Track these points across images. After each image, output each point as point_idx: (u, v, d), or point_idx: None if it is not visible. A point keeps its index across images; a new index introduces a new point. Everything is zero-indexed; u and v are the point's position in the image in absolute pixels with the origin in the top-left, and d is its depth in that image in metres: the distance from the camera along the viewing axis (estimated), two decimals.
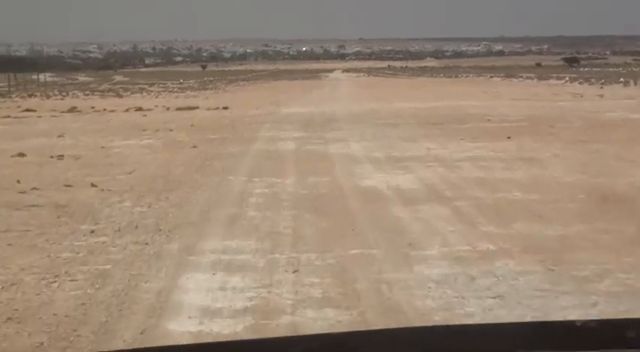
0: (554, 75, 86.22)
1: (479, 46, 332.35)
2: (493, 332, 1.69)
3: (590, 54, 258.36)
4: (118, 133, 22.88)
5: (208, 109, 34.94)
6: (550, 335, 1.64)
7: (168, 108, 35.94)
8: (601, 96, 38.81)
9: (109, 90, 63.24)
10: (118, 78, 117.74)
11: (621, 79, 62.41)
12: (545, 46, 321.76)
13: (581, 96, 38.69)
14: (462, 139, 19.47)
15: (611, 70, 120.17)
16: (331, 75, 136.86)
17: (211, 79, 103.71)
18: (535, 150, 17.13)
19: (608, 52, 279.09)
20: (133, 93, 58.45)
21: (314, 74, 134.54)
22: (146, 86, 73.51)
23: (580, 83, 61.75)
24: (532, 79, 76.21)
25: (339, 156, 17.03)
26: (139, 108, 35.99)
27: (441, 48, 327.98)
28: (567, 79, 69.17)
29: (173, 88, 70.38)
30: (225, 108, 35.10)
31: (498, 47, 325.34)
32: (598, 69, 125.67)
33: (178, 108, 35.70)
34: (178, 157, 17.10)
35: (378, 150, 17.88)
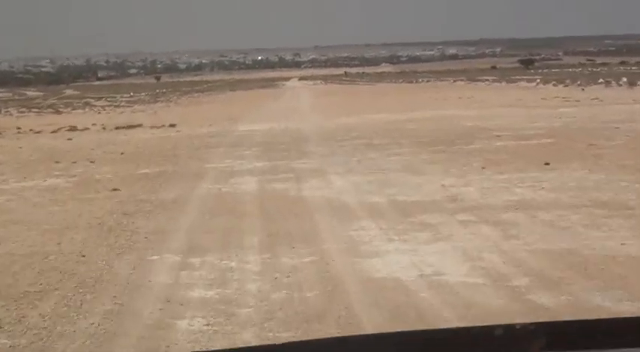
0: (517, 77, 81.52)
1: (432, 50, 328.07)
2: (482, 335, 1.65)
3: (543, 55, 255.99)
4: (20, 168, 17.17)
5: (152, 127, 29.28)
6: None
7: (104, 127, 30.22)
8: (599, 100, 33.70)
9: (50, 106, 56.98)
10: (69, 92, 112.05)
11: (600, 80, 57.65)
12: (498, 49, 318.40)
13: (578, 101, 33.52)
14: (483, 168, 14.03)
15: (570, 70, 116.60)
16: (288, 83, 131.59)
17: (164, 91, 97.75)
18: (614, 187, 11.56)
19: (560, 53, 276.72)
20: (75, 109, 52.44)
21: (270, 83, 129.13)
22: (92, 100, 67.38)
23: (554, 85, 56.97)
24: (498, 82, 71.34)
25: (320, 203, 11.51)
26: (72, 128, 30.23)
27: (395, 53, 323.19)
28: (538, 80, 64.17)
29: (121, 101, 64.38)
30: (173, 125, 29.44)
31: (452, 51, 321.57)
32: (556, 70, 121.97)
33: (117, 128, 29.97)
34: (84, 211, 11.47)
35: (373, 190, 12.37)
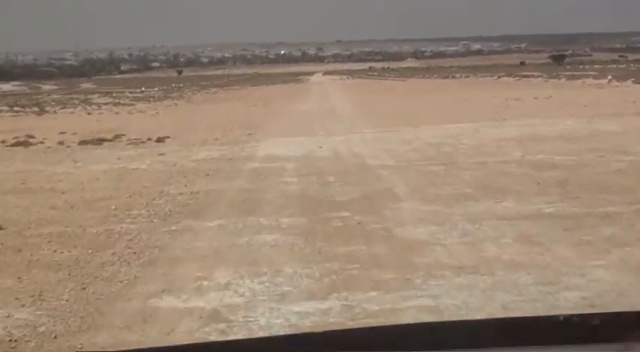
0: (569, 73, 71.20)
1: (457, 45, 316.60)
2: (471, 328, 1.59)
3: (570, 51, 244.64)
4: None
5: (130, 143, 19.58)
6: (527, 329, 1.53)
7: (62, 143, 20.44)
8: None
9: (38, 104, 47.13)
10: (86, 85, 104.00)
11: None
12: (523, 45, 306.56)
13: None
14: None
15: (614, 66, 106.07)
16: (312, 78, 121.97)
17: (180, 85, 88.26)
18: None
19: (587, 49, 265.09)
20: (67, 107, 42.85)
21: (294, 77, 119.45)
22: (96, 96, 57.88)
23: (635, 82, 46.87)
24: (555, 78, 61.13)
25: None
26: (19, 143, 20.57)
27: (419, 48, 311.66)
28: (610, 77, 53.59)
29: (127, 98, 54.81)
30: (161, 140, 19.80)
31: (477, 46, 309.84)
32: (599, 66, 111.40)
33: (83, 142, 20.30)
34: None
35: None
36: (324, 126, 22.22)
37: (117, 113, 36.76)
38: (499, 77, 73.86)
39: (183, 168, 13.76)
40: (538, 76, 66.44)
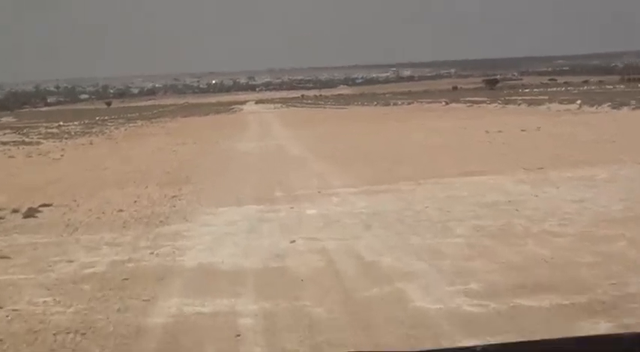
0: (519, 98, 65.34)
1: (387, 72, 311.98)
2: None
3: (499, 76, 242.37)
4: None
5: None
6: None
7: None
8: None
9: None
10: (7, 119, 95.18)
11: (610, 102, 41.91)
12: (453, 70, 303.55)
13: None
14: None
15: (555, 89, 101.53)
16: (246, 107, 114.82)
17: (105, 118, 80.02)
18: None
19: (516, 73, 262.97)
20: None
21: (227, 107, 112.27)
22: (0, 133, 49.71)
23: (561, 103, 41.06)
24: (503, 105, 54.98)
25: None
26: None
27: (350, 75, 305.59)
28: (580, 102, 47.47)
29: (38, 135, 46.86)
30: (31, 215, 12.45)
31: (407, 72, 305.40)
32: (538, 89, 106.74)
33: None
34: None
35: None
36: (281, 183, 15.06)
37: (11, 157, 29.09)
38: (447, 103, 67.65)
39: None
40: (491, 102, 60.36)
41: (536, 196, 11.14)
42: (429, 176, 14.50)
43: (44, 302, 6.65)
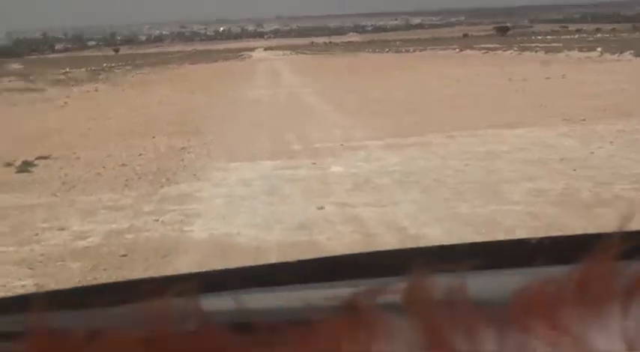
0: (537, 45, 63.38)
1: (396, 20, 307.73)
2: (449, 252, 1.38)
3: (510, 24, 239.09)
4: None
5: None
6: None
7: None
8: None
9: None
10: (14, 66, 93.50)
11: (631, 49, 40.23)
12: (462, 18, 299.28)
13: None
14: None
15: (569, 37, 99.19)
16: (254, 54, 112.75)
17: (112, 65, 78.19)
18: None
19: (527, 21, 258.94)
20: None
21: (235, 54, 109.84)
22: (5, 80, 48.31)
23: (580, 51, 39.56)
24: (508, 51, 53.21)
25: None
26: None
27: (359, 23, 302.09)
28: (600, 49, 45.66)
29: (45, 81, 45.45)
30: (28, 167, 11.20)
31: (417, 20, 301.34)
32: (551, 36, 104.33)
33: None
34: None
35: None
36: (298, 134, 13.74)
37: (14, 105, 27.78)
38: (461, 50, 65.83)
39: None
40: (506, 49, 58.56)
41: (592, 153, 9.79)
42: (459, 128, 13.15)
43: (23, 286, 5.39)
